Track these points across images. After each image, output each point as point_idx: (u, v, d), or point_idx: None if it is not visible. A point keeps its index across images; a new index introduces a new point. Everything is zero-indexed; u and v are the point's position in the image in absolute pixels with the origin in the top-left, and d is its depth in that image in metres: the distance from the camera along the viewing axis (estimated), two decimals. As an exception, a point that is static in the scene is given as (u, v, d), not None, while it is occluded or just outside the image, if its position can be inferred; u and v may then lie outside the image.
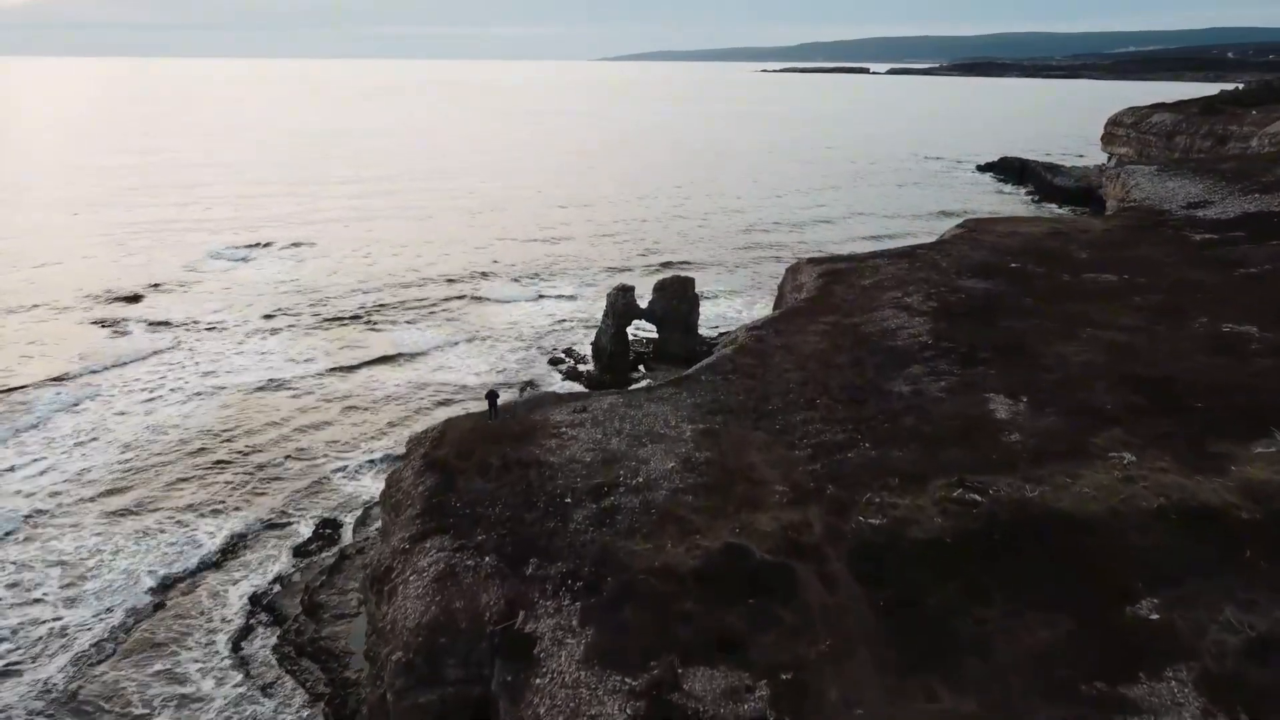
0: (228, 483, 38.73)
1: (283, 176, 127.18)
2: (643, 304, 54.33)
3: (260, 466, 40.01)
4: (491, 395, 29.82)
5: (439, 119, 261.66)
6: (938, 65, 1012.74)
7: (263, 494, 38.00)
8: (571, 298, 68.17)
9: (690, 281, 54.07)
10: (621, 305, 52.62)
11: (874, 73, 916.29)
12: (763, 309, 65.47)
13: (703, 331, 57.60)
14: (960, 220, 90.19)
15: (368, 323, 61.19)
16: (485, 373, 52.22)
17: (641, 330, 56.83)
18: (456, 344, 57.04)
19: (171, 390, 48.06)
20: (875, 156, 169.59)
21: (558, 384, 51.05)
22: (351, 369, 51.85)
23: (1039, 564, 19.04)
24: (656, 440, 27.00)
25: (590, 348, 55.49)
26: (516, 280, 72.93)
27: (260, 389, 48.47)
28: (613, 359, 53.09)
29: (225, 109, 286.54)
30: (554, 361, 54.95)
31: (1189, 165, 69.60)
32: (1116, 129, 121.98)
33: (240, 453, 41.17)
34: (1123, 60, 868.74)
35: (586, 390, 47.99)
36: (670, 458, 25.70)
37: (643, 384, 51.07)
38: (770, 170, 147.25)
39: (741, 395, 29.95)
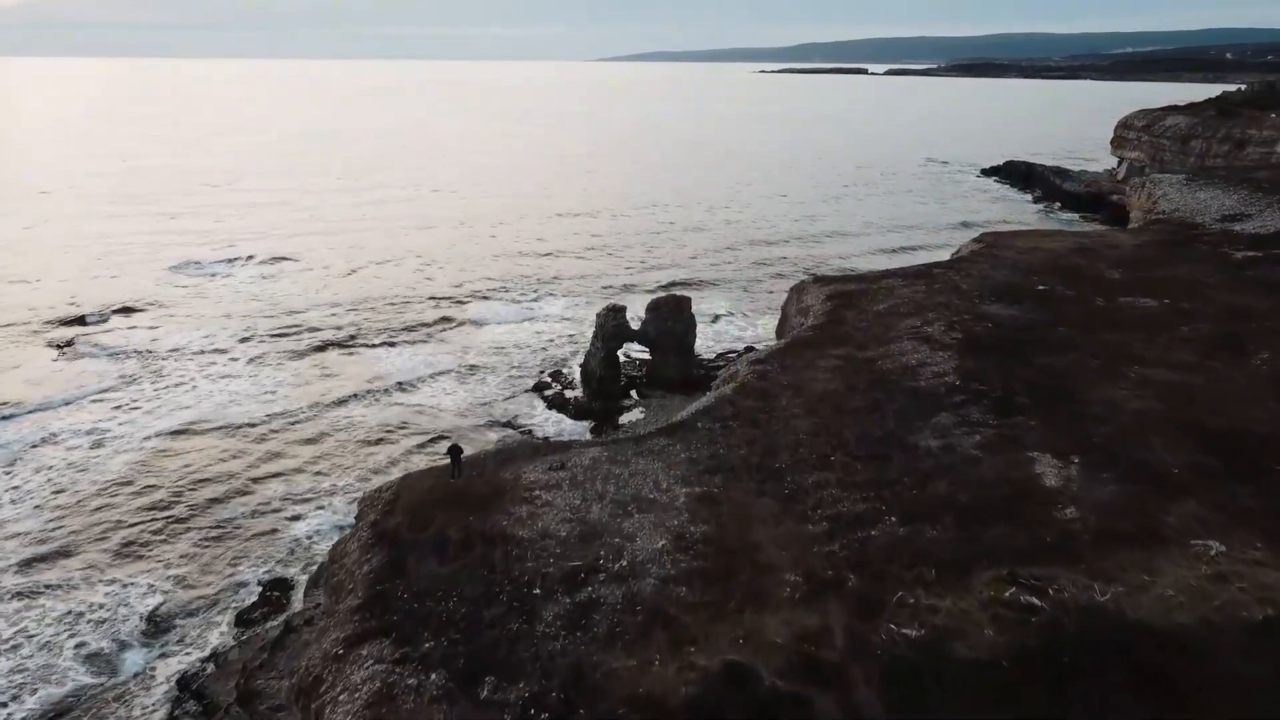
0: (174, 538, 34.76)
1: (270, 183, 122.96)
2: (636, 325, 50.58)
3: (213, 521, 35.97)
4: (454, 451, 25.85)
5: (437, 122, 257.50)
6: (936, 66, 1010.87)
7: (211, 552, 34.01)
8: (565, 317, 64.02)
9: (686, 301, 50.17)
10: (611, 327, 48.73)
11: (872, 73, 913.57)
12: (766, 326, 61.63)
13: (701, 351, 53.85)
14: (975, 233, 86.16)
15: (346, 348, 57.05)
16: (466, 404, 48.27)
17: (635, 352, 52.99)
18: (440, 372, 52.86)
19: (124, 429, 43.94)
20: (877, 160, 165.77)
21: (540, 413, 47.13)
22: (323, 404, 47.64)
23: (1121, 698, 15.10)
24: (645, 508, 23.06)
25: (580, 371, 51.64)
26: (508, 298, 68.73)
27: (221, 428, 44.37)
28: (602, 384, 49.24)
29: (218, 111, 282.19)
30: (539, 387, 51.00)
31: (1219, 174, 65.67)
32: (1127, 132, 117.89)
33: (191, 505, 37.13)
34: (1121, 61, 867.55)
35: (567, 436, 44.14)
36: (660, 533, 21.75)
37: (634, 415, 47.25)
38: (770, 174, 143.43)
39: (744, 449, 26.01)
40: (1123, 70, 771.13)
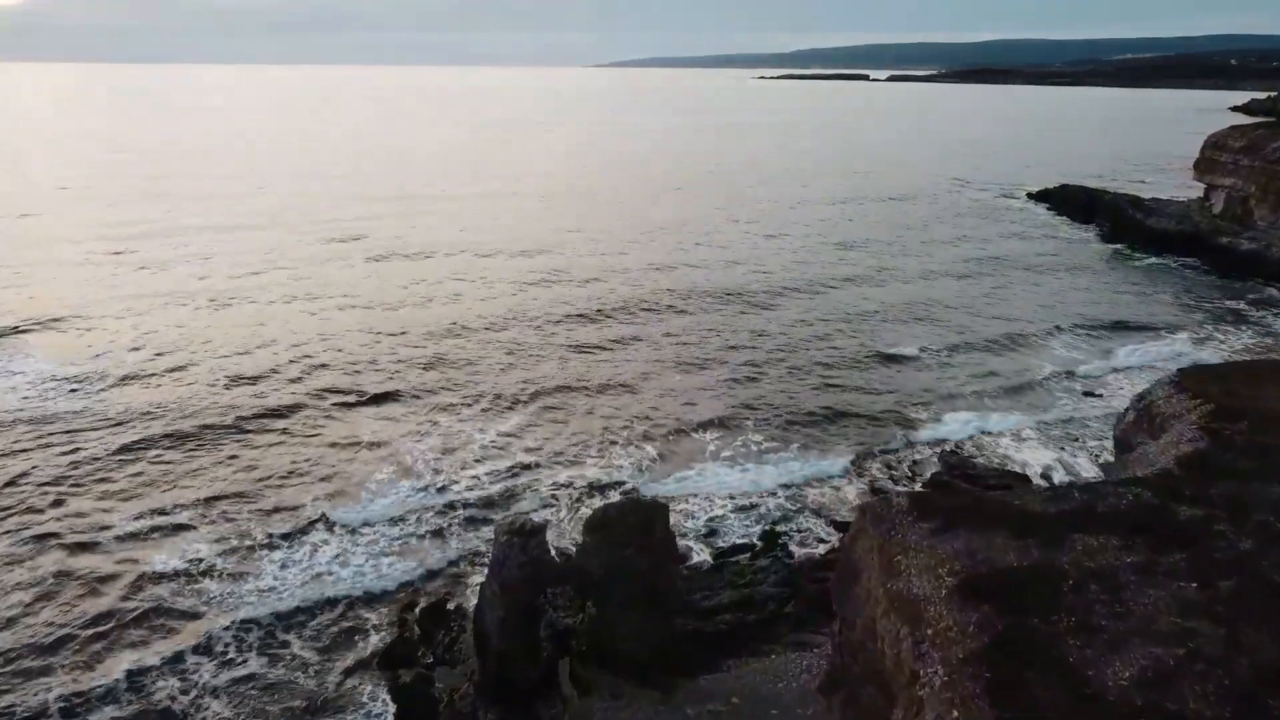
0: None
1: (163, 236, 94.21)
2: (570, 535, 28.04)
3: None
4: None
5: (418, 140, 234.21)
6: (937, 72, 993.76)
7: None
8: (472, 507, 39.15)
9: (658, 511, 27.28)
10: (518, 567, 25.93)
11: (874, 79, 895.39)
12: (787, 486, 38.97)
13: (687, 544, 31.46)
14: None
15: (122, 536, 34.30)
16: (251, 696, 25.50)
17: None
18: (236, 622, 29.85)
19: None
20: (904, 187, 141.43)
21: (373, 761, 24.32)
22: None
23: None
24: None
25: (472, 626, 28.91)
26: (395, 462, 41.54)
27: None
28: (504, 665, 26.40)
29: (157, 127, 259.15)
30: (392, 660, 28.18)
31: None
32: (1219, 154, 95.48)
33: None
34: (1127, 67, 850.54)
35: None
36: None
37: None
38: (778, 216, 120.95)
39: None
40: (1130, 76, 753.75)
